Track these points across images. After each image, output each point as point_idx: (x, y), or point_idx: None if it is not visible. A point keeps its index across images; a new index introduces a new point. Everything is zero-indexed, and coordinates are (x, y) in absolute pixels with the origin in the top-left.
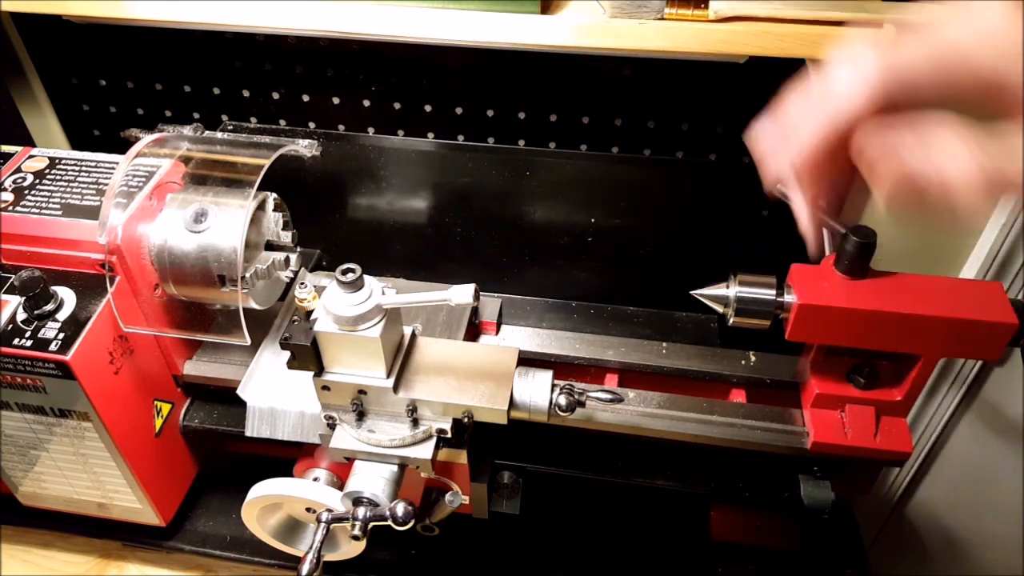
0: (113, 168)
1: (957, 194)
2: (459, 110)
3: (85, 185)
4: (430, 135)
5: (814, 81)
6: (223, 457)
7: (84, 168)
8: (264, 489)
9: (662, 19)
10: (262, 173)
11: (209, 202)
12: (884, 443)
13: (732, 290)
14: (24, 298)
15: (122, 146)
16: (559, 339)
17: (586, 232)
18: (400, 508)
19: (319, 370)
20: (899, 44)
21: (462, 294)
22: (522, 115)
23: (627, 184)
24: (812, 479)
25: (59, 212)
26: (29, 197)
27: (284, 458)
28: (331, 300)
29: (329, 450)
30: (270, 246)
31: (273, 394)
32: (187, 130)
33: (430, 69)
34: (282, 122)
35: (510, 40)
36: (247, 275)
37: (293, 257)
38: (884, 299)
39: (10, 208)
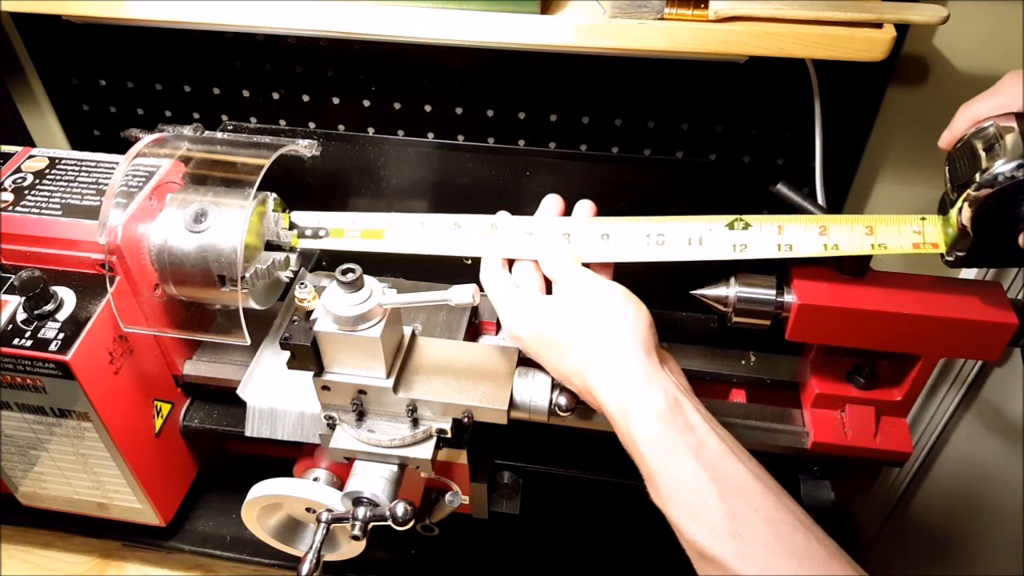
0: (113, 168)
1: None
2: (459, 110)
3: (85, 185)
4: (430, 135)
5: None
6: (223, 457)
7: (84, 168)
8: (264, 489)
9: (662, 19)
10: (262, 173)
11: (209, 202)
12: (884, 443)
13: (732, 290)
14: (24, 298)
15: (122, 146)
16: None
17: None
18: (400, 508)
19: (319, 370)
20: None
21: (462, 294)
22: (522, 115)
23: (627, 184)
24: (812, 479)
25: (59, 212)
26: (29, 197)
27: (284, 458)
28: (331, 300)
29: (329, 450)
30: (270, 246)
31: (273, 394)
32: (187, 130)
33: (430, 69)
34: (282, 122)
35: (510, 40)
36: (247, 275)
37: (293, 257)
38: (884, 299)
39: (10, 208)
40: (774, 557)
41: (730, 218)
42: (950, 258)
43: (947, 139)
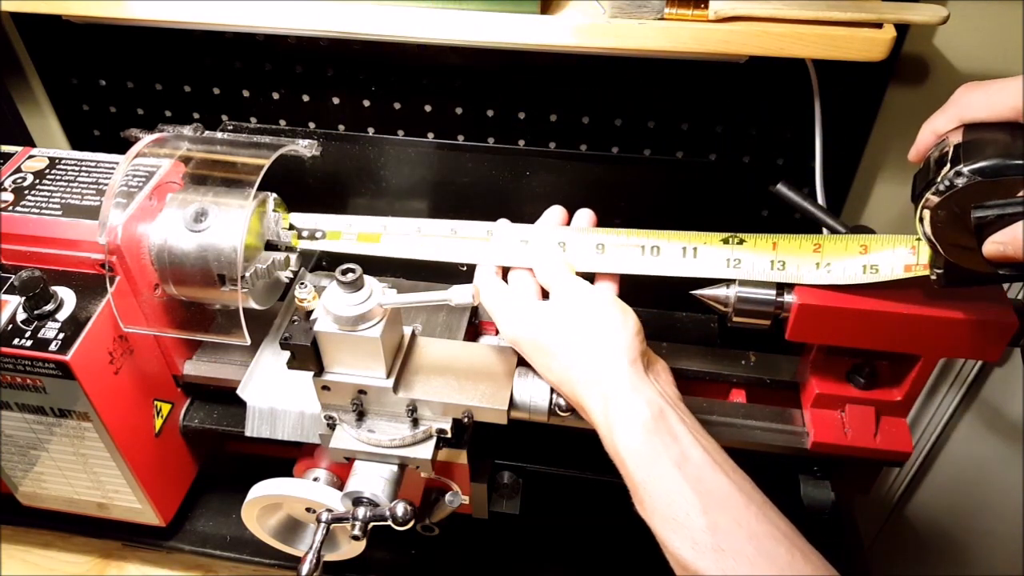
0: (113, 168)
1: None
2: (459, 110)
3: (85, 185)
4: (430, 135)
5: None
6: (223, 457)
7: (84, 168)
8: (264, 489)
9: (662, 19)
10: (262, 173)
11: (209, 202)
12: (884, 443)
13: (732, 290)
14: (24, 298)
15: (122, 146)
16: None
17: None
18: (400, 508)
19: (319, 370)
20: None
21: (462, 294)
22: (522, 115)
23: (627, 184)
24: (812, 479)
25: (59, 212)
26: (29, 197)
27: (284, 458)
28: (331, 300)
29: (329, 450)
30: (270, 246)
31: (273, 394)
32: (187, 130)
33: (430, 69)
34: (282, 122)
35: (510, 40)
36: (247, 275)
37: (293, 257)
38: (884, 299)
39: (10, 208)
40: (756, 572)
41: (725, 235)
42: (933, 278)
43: (914, 154)
